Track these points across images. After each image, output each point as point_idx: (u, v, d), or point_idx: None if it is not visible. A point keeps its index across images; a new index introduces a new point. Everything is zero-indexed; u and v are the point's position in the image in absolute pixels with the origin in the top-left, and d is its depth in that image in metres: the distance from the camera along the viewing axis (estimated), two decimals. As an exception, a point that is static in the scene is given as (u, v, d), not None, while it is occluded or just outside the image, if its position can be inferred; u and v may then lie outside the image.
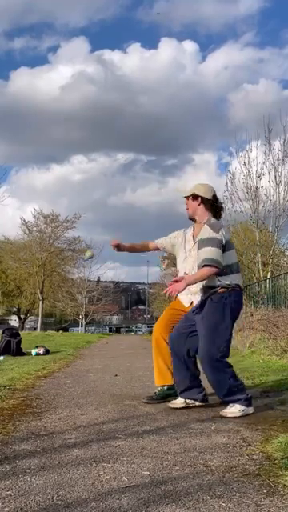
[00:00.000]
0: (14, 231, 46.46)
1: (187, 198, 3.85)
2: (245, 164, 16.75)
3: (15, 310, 43.00)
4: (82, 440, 2.84)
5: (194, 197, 3.79)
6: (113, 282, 59.32)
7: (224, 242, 3.56)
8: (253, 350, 8.65)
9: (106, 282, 52.99)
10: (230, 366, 3.59)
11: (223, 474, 2.25)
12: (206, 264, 3.50)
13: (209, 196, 3.77)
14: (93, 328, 51.91)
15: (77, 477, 2.20)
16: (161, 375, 4.11)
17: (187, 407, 3.78)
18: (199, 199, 3.77)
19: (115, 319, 78.98)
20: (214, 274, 3.52)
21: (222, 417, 3.46)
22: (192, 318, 3.74)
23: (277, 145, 16.55)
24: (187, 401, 3.81)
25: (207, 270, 3.50)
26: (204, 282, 3.61)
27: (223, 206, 3.99)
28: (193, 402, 3.81)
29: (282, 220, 16.48)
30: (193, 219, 3.98)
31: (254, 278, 16.50)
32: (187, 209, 3.92)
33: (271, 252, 17.00)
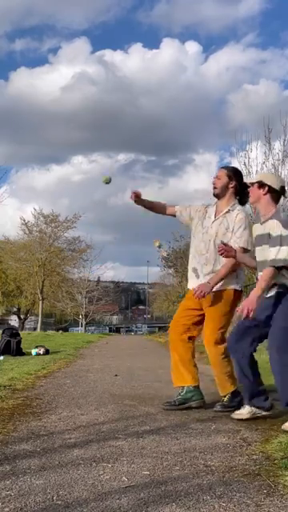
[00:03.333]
0: (14, 231, 46.43)
1: (252, 184, 3.50)
2: (245, 164, 16.75)
3: (15, 309, 42.97)
4: (82, 440, 2.84)
5: (261, 185, 3.43)
6: (113, 282, 59.27)
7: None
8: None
9: (105, 282, 52.99)
10: None
11: (223, 474, 2.25)
12: (271, 265, 3.26)
13: (277, 186, 3.43)
14: (93, 328, 51.89)
15: (77, 477, 2.20)
16: (179, 376, 3.88)
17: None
18: (266, 188, 3.40)
19: (115, 319, 78.94)
20: (275, 274, 3.28)
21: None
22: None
23: (277, 145, 16.55)
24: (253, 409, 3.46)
25: (269, 272, 3.26)
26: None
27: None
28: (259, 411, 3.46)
29: (281, 220, 16.46)
30: (217, 196, 3.92)
31: (254, 278, 16.49)
32: (215, 186, 3.87)
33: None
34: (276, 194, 3.42)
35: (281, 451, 2.56)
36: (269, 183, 3.39)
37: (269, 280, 3.31)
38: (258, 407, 3.43)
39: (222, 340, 3.77)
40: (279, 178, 3.63)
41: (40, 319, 33.59)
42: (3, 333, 8.88)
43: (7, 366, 6.53)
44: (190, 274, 4.01)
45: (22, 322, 41.96)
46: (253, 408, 3.43)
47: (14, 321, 43.99)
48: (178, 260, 29.91)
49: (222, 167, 4.03)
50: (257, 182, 3.43)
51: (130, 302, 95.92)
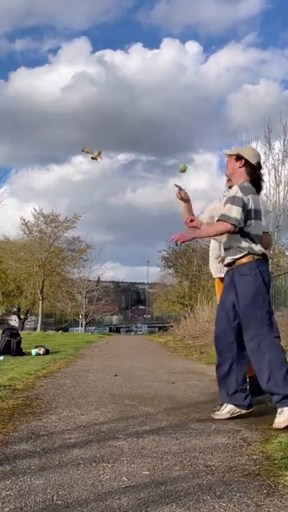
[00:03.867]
0: (14, 231, 46.46)
1: (230, 156, 3.55)
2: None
3: (15, 309, 42.99)
4: (82, 440, 2.84)
5: (238, 158, 3.50)
6: (113, 282, 59.31)
7: (250, 207, 3.33)
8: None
9: (105, 282, 53.01)
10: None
11: (223, 474, 2.25)
12: (220, 219, 3.34)
13: (253, 161, 3.50)
14: (93, 328, 51.88)
15: (77, 477, 2.20)
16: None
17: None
18: (242, 161, 3.48)
19: (115, 319, 78.92)
20: (227, 231, 3.33)
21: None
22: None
23: (277, 145, 16.54)
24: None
25: (220, 225, 3.33)
26: (228, 252, 3.40)
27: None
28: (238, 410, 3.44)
29: (281, 220, 16.47)
30: (231, 187, 3.85)
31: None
32: (229, 179, 3.78)
33: (271, 252, 17.01)
34: (251, 169, 3.49)
35: (281, 451, 2.56)
36: (246, 157, 3.47)
37: (218, 232, 3.43)
38: (237, 405, 3.43)
39: None
40: (256, 154, 3.62)
41: (40, 319, 33.60)
42: (3, 333, 8.88)
43: (7, 366, 6.53)
44: (212, 263, 4.04)
45: (22, 321, 41.97)
46: (232, 406, 3.43)
47: (14, 321, 44.00)
48: (178, 260, 29.94)
49: None
50: (235, 155, 3.50)
51: (130, 301, 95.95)
